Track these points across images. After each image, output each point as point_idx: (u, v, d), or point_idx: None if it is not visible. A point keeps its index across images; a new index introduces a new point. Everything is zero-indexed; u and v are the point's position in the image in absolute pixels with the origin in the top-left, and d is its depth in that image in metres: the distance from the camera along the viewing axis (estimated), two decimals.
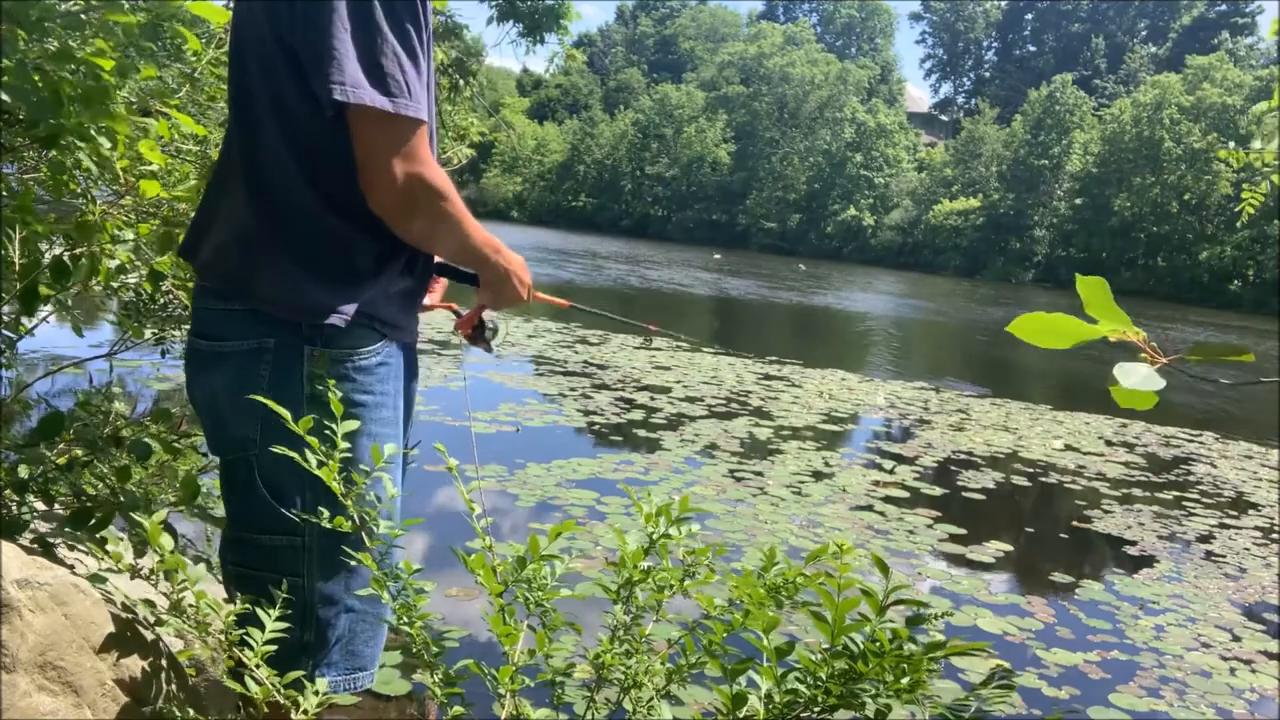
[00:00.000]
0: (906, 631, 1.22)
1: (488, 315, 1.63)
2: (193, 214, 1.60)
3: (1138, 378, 0.83)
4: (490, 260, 1.48)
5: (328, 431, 1.27)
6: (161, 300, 2.13)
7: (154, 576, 1.34)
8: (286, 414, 1.24)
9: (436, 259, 1.52)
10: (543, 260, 23.96)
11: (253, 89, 1.33)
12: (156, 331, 2.18)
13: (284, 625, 1.30)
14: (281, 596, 1.29)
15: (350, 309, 1.35)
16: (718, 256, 38.85)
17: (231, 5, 1.48)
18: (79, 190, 1.77)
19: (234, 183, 1.38)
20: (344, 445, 1.28)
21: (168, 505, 1.78)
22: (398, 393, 1.46)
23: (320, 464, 1.25)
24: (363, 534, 1.31)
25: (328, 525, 1.29)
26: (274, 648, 1.25)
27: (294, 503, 1.34)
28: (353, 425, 1.31)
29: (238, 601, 1.30)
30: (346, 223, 1.34)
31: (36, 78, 1.46)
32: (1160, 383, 0.83)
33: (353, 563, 1.32)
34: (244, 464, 1.36)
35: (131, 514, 1.65)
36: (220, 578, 1.56)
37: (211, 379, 1.37)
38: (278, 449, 1.26)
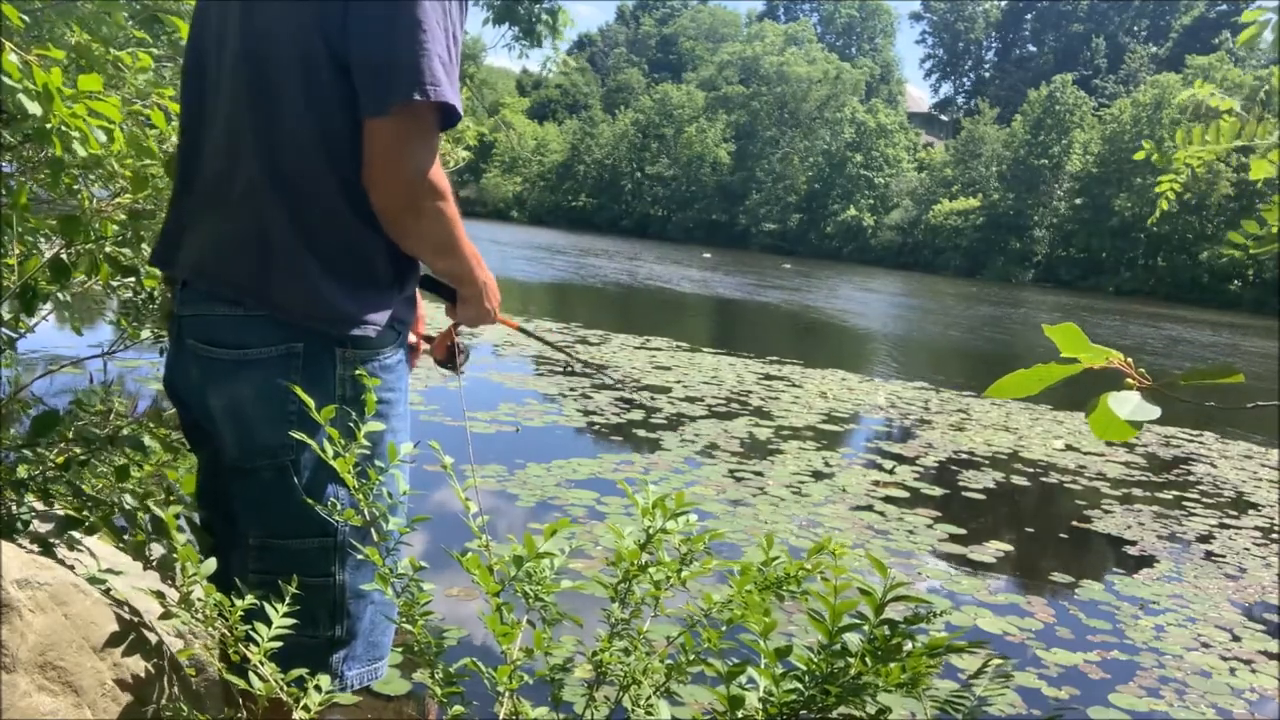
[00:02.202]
0: (904, 632, 1.22)
1: (459, 338, 1.63)
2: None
3: (1130, 407, 0.81)
4: (474, 273, 1.49)
5: (362, 429, 1.30)
6: (160, 299, 2.12)
7: (162, 570, 1.34)
8: (312, 403, 1.26)
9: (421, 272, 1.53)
10: (531, 260, 23.97)
11: (279, 94, 1.31)
12: (156, 329, 2.18)
13: (311, 624, 1.32)
14: (291, 592, 1.29)
15: (383, 318, 1.37)
16: (707, 256, 38.87)
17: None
18: (76, 188, 1.77)
19: (230, 187, 1.35)
20: (374, 441, 1.31)
21: (174, 503, 1.78)
22: (408, 388, 1.49)
23: (359, 466, 1.28)
24: (389, 529, 1.32)
25: (361, 522, 1.30)
26: (279, 644, 1.25)
27: (329, 502, 1.34)
28: (382, 424, 1.34)
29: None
30: (375, 229, 1.35)
31: (34, 70, 1.46)
32: (1154, 411, 0.80)
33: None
34: (273, 470, 1.34)
35: (132, 511, 1.65)
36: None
37: (238, 387, 1.34)
38: (326, 448, 1.26)
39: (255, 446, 1.35)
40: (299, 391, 1.26)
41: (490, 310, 1.56)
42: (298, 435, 1.28)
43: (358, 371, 1.34)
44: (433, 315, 1.69)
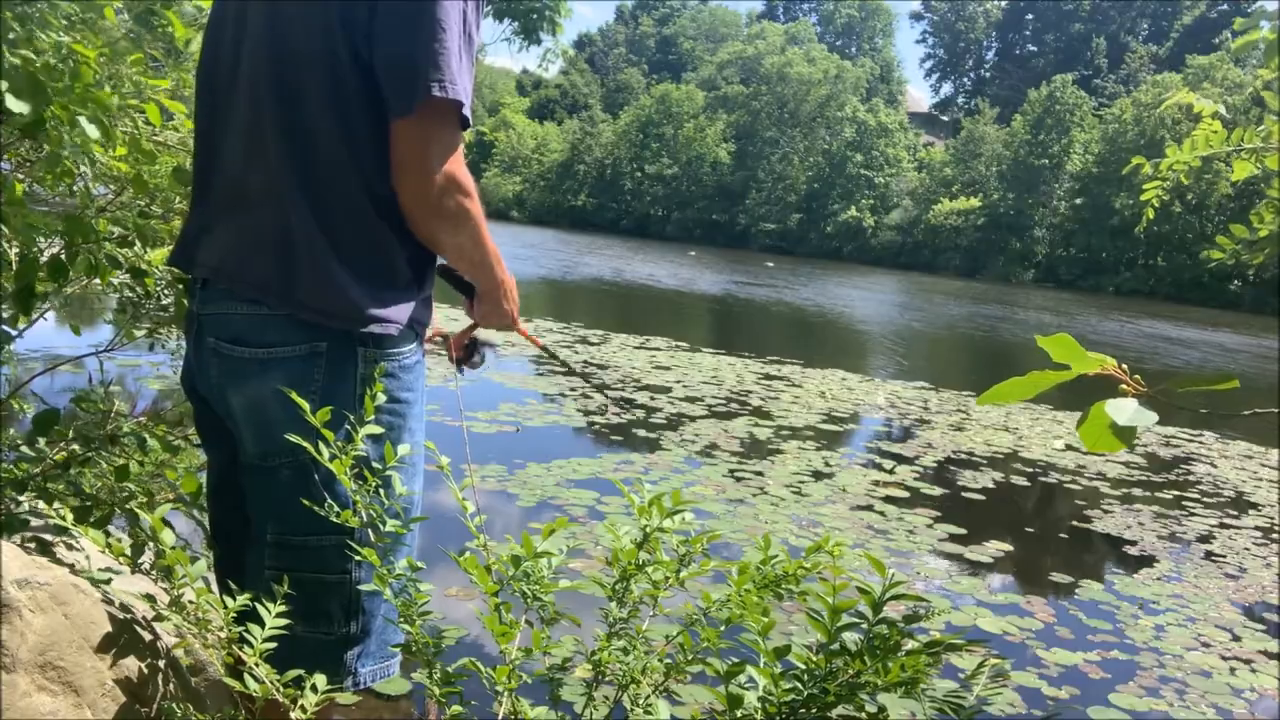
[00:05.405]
0: (898, 632, 1.21)
1: (480, 335, 1.64)
2: (179, 207, 1.58)
3: (1128, 414, 0.80)
4: (494, 271, 1.49)
5: (380, 430, 1.31)
6: (158, 298, 2.12)
7: (154, 572, 1.34)
8: (308, 406, 1.27)
9: (440, 262, 1.53)
10: (526, 259, 23.94)
11: (301, 94, 1.32)
12: (152, 328, 2.18)
13: (326, 621, 1.34)
14: (282, 592, 1.29)
15: (403, 317, 1.38)
16: (692, 254, 38.88)
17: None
18: (75, 187, 1.77)
19: (250, 187, 1.35)
20: (392, 441, 1.33)
21: (169, 503, 1.78)
22: (424, 389, 1.49)
23: (369, 461, 1.29)
24: (388, 529, 1.32)
25: (359, 523, 1.31)
26: (273, 645, 1.25)
27: (349, 501, 1.34)
28: (401, 423, 1.37)
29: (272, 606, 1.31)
30: (395, 229, 1.36)
31: (23, 62, 1.45)
32: (1152, 418, 0.79)
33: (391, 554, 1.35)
34: (292, 468, 1.35)
35: (133, 510, 1.65)
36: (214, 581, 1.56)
37: (261, 385, 1.35)
38: (323, 450, 1.27)
39: (275, 445, 1.35)
40: (296, 398, 1.26)
41: (508, 311, 1.56)
42: (293, 438, 1.27)
43: (378, 370, 1.35)
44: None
